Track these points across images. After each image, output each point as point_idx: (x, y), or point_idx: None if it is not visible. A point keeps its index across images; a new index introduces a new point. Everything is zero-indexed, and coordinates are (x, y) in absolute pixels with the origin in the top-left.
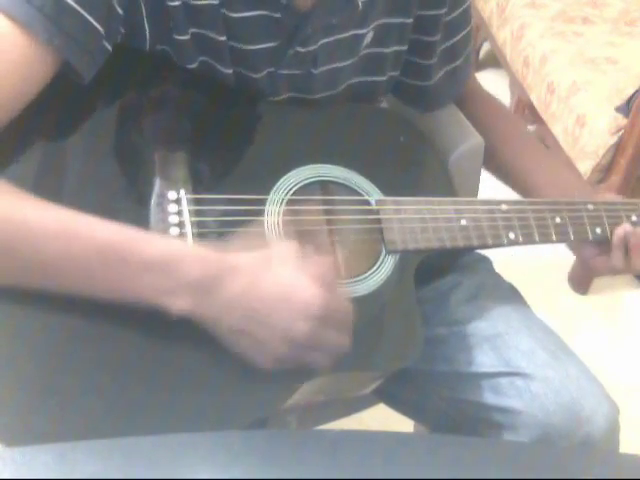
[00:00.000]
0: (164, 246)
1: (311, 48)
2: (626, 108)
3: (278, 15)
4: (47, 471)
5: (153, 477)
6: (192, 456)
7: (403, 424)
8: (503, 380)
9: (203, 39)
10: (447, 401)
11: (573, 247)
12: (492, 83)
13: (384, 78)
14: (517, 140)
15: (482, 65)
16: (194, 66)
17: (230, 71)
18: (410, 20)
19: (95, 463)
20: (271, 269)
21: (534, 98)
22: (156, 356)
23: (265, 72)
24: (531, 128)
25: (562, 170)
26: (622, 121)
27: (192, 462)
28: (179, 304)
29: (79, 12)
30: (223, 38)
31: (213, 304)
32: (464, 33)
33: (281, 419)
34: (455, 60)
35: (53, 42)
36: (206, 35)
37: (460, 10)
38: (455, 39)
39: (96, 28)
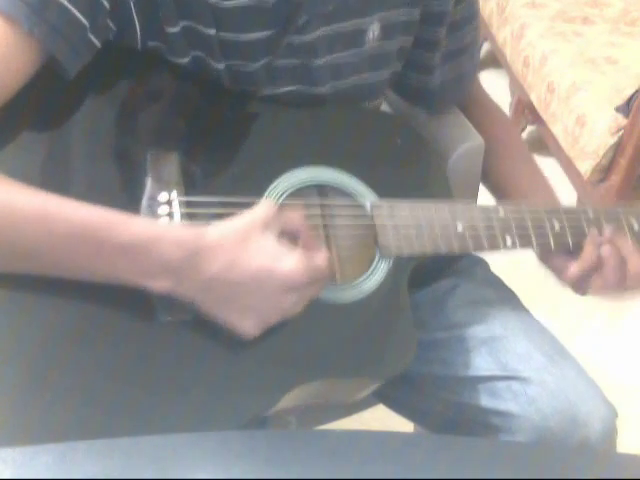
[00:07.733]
0: (141, 228)
1: (309, 37)
2: (626, 108)
3: (271, 2)
4: (47, 471)
5: (153, 477)
6: (192, 456)
7: (403, 424)
8: (500, 384)
9: (193, 32)
10: (445, 404)
11: (542, 258)
12: (492, 83)
13: (388, 72)
14: (506, 147)
15: (482, 65)
16: (186, 61)
17: (222, 66)
18: (417, 11)
19: (95, 463)
20: (250, 242)
21: (534, 98)
22: (150, 355)
23: (261, 63)
24: (531, 128)
25: (540, 184)
26: (622, 121)
27: (192, 462)
28: (159, 285)
29: (62, 4)
30: (212, 32)
31: (193, 283)
32: (470, 26)
33: (281, 419)
34: (461, 54)
35: (35, 32)
36: (196, 28)
37: (466, 2)
38: (461, 32)
39: (80, 21)
